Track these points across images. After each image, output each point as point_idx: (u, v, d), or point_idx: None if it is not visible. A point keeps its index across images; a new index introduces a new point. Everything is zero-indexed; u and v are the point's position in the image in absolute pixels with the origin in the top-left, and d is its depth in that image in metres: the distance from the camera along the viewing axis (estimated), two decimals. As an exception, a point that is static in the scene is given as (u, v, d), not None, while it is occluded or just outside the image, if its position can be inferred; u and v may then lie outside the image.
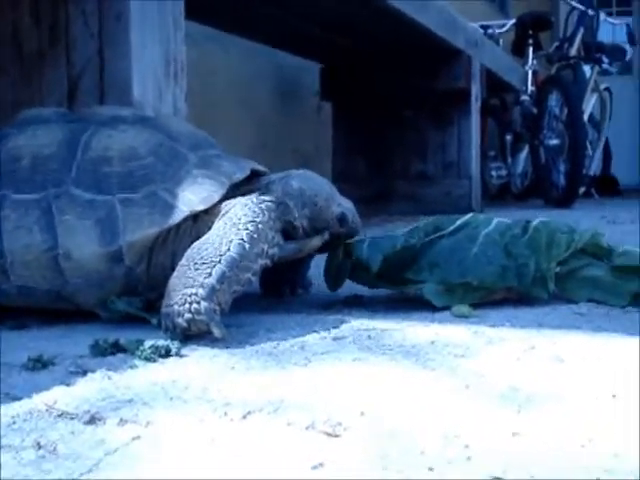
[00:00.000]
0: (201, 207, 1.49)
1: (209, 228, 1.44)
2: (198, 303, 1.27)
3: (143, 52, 2.04)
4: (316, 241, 1.62)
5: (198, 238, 1.43)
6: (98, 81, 2.08)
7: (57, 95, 2.12)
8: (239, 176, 1.58)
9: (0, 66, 2.23)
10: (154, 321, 1.40)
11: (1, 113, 2.20)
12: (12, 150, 1.57)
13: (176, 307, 1.30)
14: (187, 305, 1.28)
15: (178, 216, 1.47)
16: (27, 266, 1.48)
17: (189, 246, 1.43)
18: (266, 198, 1.49)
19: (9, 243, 1.48)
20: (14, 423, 0.90)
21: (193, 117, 2.25)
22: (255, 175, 1.65)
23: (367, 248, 1.58)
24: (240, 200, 1.48)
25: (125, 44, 2.02)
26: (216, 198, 1.50)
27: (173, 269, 1.44)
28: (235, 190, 1.56)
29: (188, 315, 1.28)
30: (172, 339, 1.26)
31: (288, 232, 1.57)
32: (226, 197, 1.52)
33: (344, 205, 1.65)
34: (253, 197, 1.49)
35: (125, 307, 1.45)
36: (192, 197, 1.49)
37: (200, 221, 1.51)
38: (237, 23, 4.03)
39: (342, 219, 1.62)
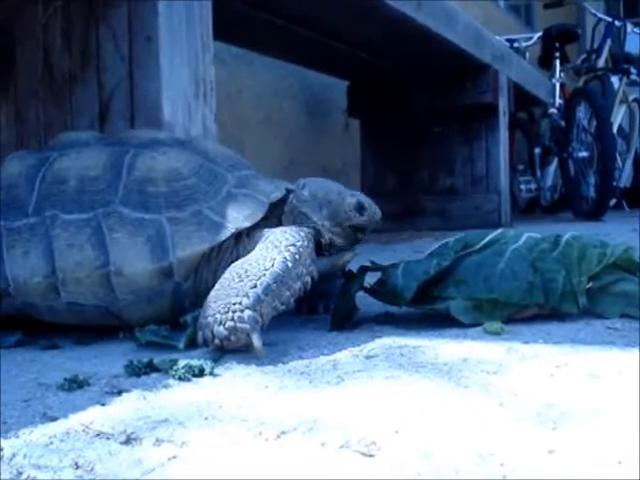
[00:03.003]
0: (246, 224, 1.55)
1: (248, 252, 1.49)
2: (242, 311, 1.29)
3: (172, 73, 2.07)
4: (347, 256, 1.69)
5: (238, 259, 1.49)
6: (128, 103, 2.10)
7: (88, 117, 2.16)
8: (277, 195, 1.64)
9: (32, 88, 2.27)
10: (181, 346, 1.41)
11: (33, 135, 2.24)
12: (58, 172, 1.61)
13: (218, 316, 1.31)
14: (230, 313, 1.30)
15: (225, 233, 1.53)
16: (79, 283, 1.52)
17: (229, 264, 1.48)
18: (304, 229, 1.55)
19: (61, 261, 1.52)
20: (51, 443, 0.91)
21: (221, 135, 2.27)
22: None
23: (401, 276, 1.57)
24: (280, 228, 1.54)
25: (155, 66, 2.05)
26: (259, 216, 1.57)
27: (214, 286, 1.48)
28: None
29: (230, 323, 1.29)
30: (205, 358, 1.27)
31: (316, 242, 1.62)
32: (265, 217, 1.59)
33: (358, 194, 1.70)
34: (292, 226, 1.55)
35: (151, 337, 1.46)
36: (237, 215, 1.55)
37: (240, 243, 1.58)
38: (264, 42, 4.06)
39: (359, 207, 1.66)
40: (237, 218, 1.54)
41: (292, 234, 1.49)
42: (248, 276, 1.36)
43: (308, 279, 1.47)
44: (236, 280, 1.36)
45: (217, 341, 1.31)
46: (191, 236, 1.52)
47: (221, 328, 1.30)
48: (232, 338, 1.30)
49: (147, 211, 1.54)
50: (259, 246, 1.48)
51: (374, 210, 1.70)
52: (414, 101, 4.96)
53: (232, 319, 1.29)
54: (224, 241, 1.54)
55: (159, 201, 1.56)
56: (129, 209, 1.54)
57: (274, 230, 1.53)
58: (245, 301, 1.31)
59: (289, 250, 1.43)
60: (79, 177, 1.59)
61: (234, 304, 1.31)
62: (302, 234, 1.51)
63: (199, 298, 1.52)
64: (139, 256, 1.50)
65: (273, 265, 1.38)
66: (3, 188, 1.63)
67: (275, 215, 1.66)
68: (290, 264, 1.40)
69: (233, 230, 1.53)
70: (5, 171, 1.67)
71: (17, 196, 1.61)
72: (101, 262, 1.51)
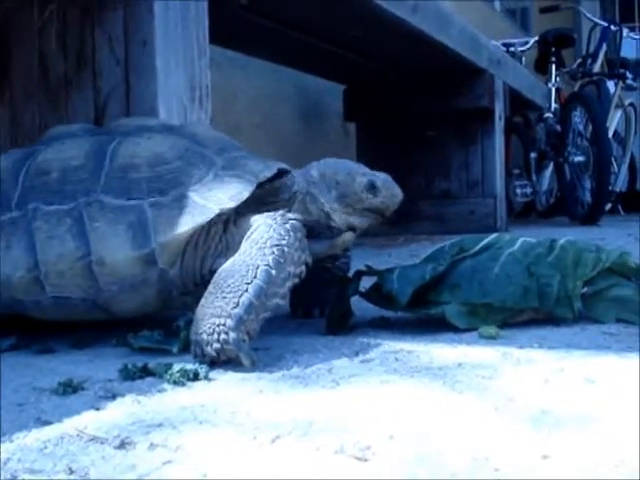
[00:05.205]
0: (231, 204, 1.49)
1: (236, 241, 1.46)
2: (226, 334, 1.27)
3: (168, 78, 2.06)
4: (347, 236, 1.63)
5: (227, 249, 1.47)
6: (124, 107, 2.10)
7: (84, 120, 2.15)
8: (266, 174, 1.58)
9: (27, 92, 2.26)
10: (175, 350, 1.40)
11: (28, 138, 2.24)
12: (41, 164, 1.59)
13: (204, 336, 1.29)
14: (215, 335, 1.28)
15: (208, 215, 1.48)
16: (61, 275, 1.49)
17: (219, 255, 1.47)
18: (291, 216, 1.46)
19: (43, 254, 1.49)
20: (46, 448, 0.91)
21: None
22: (283, 175, 1.66)
23: (397, 281, 1.56)
24: (266, 220, 1.45)
25: (151, 70, 2.04)
26: (245, 195, 1.51)
27: (202, 275, 1.50)
28: (262, 189, 1.59)
29: (217, 345, 1.28)
30: (200, 363, 1.27)
31: (320, 228, 1.60)
32: (255, 198, 1.54)
33: (374, 174, 1.63)
34: (278, 216, 1.45)
35: (145, 343, 1.44)
36: (221, 196, 1.50)
37: (228, 231, 1.53)
38: (260, 46, 4.06)
39: (371, 187, 1.61)
40: (221, 199, 1.49)
41: (278, 230, 1.40)
42: (232, 291, 1.31)
43: (301, 269, 1.41)
44: (219, 297, 1.32)
45: (208, 359, 1.29)
46: (173, 220, 1.47)
47: (209, 349, 1.29)
48: (222, 357, 1.28)
49: (129, 197, 1.51)
50: (243, 245, 1.41)
51: (391, 191, 1.63)
52: (410, 105, 4.97)
53: (218, 341, 1.27)
54: (210, 225, 1.51)
55: (141, 187, 1.52)
56: (111, 197, 1.51)
57: (260, 222, 1.45)
58: (229, 322, 1.27)
59: (273, 253, 1.36)
60: (62, 168, 1.57)
61: (218, 325, 1.28)
62: (288, 226, 1.42)
63: (187, 287, 1.51)
64: (120, 244, 1.47)
65: (256, 276, 1.32)
66: None
67: (273, 196, 1.61)
68: (274, 271, 1.34)
69: (217, 211, 1.48)
70: None
71: (2, 191, 1.59)
72: (82, 253, 1.48)
